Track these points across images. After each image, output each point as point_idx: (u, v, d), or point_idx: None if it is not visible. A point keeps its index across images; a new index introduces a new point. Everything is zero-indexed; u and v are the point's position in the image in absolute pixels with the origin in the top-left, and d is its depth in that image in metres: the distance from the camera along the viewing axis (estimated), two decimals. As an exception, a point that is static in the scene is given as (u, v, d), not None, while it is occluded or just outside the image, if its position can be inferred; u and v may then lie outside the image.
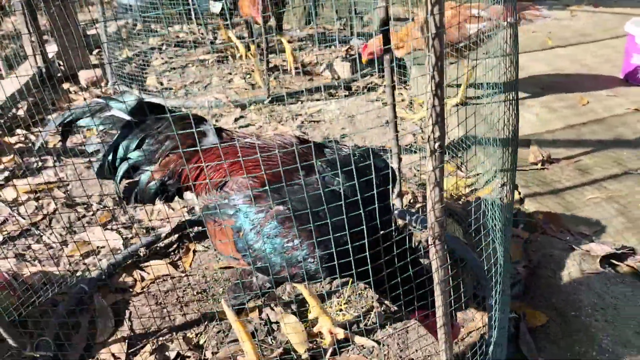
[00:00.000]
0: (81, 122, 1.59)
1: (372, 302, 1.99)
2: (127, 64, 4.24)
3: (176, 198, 1.68)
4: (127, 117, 1.55)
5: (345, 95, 3.62)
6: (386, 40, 1.97)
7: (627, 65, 3.44)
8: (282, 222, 1.32)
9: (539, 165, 2.61)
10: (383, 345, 1.83)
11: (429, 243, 1.00)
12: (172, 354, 1.82)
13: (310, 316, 1.95)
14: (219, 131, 1.62)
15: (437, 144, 0.89)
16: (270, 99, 3.51)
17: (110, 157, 1.58)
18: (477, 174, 2.66)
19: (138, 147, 1.57)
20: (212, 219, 1.49)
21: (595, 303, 1.75)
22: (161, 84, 4.00)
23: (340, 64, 3.94)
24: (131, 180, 1.61)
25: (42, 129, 1.70)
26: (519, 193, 2.43)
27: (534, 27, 4.59)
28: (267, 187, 1.36)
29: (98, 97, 1.64)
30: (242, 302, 1.63)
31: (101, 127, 1.57)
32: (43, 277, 2.05)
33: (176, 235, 2.37)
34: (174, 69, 4.24)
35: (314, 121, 3.30)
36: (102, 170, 1.59)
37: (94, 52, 4.55)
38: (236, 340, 1.85)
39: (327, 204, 1.23)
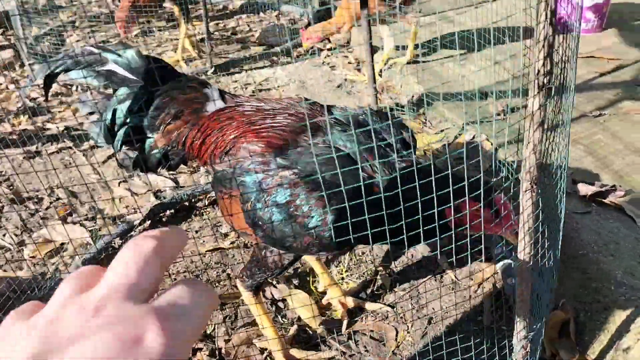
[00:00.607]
0: (72, 75, 1.36)
1: (374, 267, 1.95)
2: (39, 43, 3.81)
3: (145, 179, 1.52)
4: (129, 75, 1.36)
5: (288, 62, 3.49)
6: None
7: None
8: (289, 187, 1.21)
9: (502, 116, 2.67)
10: (396, 307, 1.80)
11: (524, 188, 0.96)
12: (181, 348, 1.67)
13: (320, 288, 1.88)
14: (222, 94, 1.47)
15: (546, 79, 0.83)
16: (213, 69, 3.31)
17: (108, 121, 1.38)
18: (444, 129, 2.68)
19: (139, 111, 1.39)
20: (219, 189, 1.36)
21: (596, 240, 1.81)
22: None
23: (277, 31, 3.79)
24: (131, 147, 1.44)
25: (25, 82, 1.46)
26: (491, 143, 2.47)
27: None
28: (272, 152, 1.24)
29: (92, 46, 1.41)
30: (259, 282, 1.52)
31: (95, 84, 1.36)
32: (12, 283, 1.81)
33: (149, 222, 2.18)
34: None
35: (265, 89, 3.16)
36: (105, 136, 1.39)
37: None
38: (247, 325, 1.74)
39: (339, 167, 1.09)
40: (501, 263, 1.84)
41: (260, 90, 3.16)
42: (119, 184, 2.42)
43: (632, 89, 2.78)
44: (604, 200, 2.04)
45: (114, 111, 1.38)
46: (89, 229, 2.16)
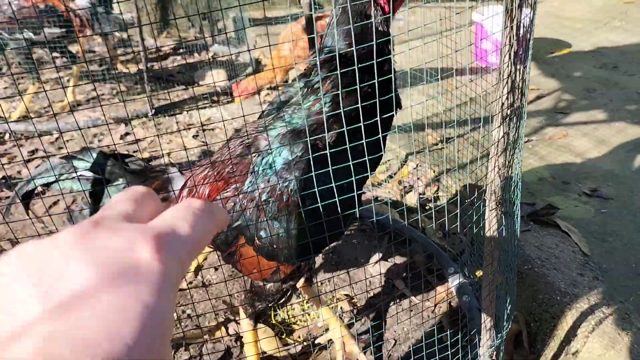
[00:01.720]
0: (52, 186, 1.42)
1: (334, 296, 2.00)
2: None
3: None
4: (98, 175, 1.42)
5: (229, 101, 3.54)
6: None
7: (478, 50, 3.87)
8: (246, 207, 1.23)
9: (440, 145, 2.83)
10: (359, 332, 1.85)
11: (489, 207, 1.05)
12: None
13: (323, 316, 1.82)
14: (180, 171, 1.52)
15: (509, 110, 0.93)
16: (154, 111, 3.30)
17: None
18: (388, 160, 2.80)
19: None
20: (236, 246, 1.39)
21: (539, 255, 1.95)
22: (14, 108, 3.52)
23: (214, 71, 3.84)
24: None
25: (8, 202, 1.51)
26: (434, 171, 2.61)
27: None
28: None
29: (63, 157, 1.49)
30: (260, 310, 1.54)
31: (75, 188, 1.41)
32: None
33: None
34: (21, 92, 3.76)
35: (209, 129, 3.18)
36: None
37: None
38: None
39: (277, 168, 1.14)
40: (455, 282, 1.94)
41: (204, 130, 3.18)
42: (66, 231, 2.35)
43: (553, 116, 3.04)
44: (540, 218, 2.21)
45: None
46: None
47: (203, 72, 3.93)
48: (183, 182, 1.47)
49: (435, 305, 1.95)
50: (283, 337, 1.84)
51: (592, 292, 1.72)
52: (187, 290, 2.03)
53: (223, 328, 1.87)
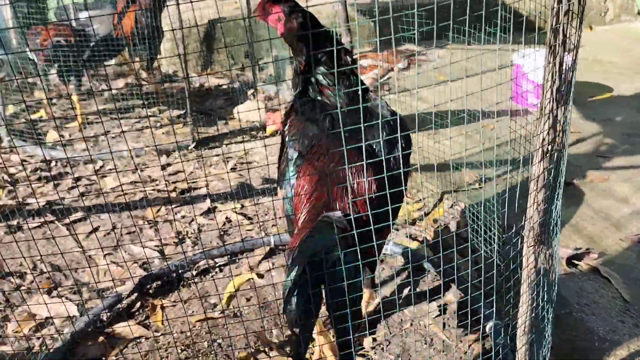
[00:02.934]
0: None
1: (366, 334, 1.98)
2: (15, 119, 3.85)
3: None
4: None
5: (266, 136, 3.61)
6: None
7: (517, 91, 3.87)
8: None
9: (477, 185, 2.81)
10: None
11: (527, 244, 1.04)
12: (177, 420, 1.64)
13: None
14: None
15: (550, 146, 0.93)
16: (194, 144, 3.39)
17: None
18: (422, 199, 2.79)
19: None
20: None
21: (578, 300, 1.90)
22: (62, 137, 3.67)
23: (253, 106, 3.93)
24: None
25: None
26: (469, 210, 2.59)
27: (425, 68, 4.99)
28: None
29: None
30: None
31: None
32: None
33: (135, 294, 2.16)
34: (73, 120, 3.93)
35: (246, 162, 3.25)
36: None
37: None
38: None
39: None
40: (490, 323, 1.90)
41: (242, 164, 3.24)
42: (104, 257, 2.41)
43: (594, 160, 2.99)
44: (579, 262, 2.15)
45: None
46: (75, 302, 2.12)
47: (243, 107, 4.03)
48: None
49: (468, 347, 1.91)
50: None
51: (632, 339, 1.66)
52: (219, 320, 2.04)
53: (252, 359, 1.87)
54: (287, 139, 1.66)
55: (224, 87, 4.69)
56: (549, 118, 0.91)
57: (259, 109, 3.99)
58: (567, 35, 0.83)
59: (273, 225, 2.61)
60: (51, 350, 1.85)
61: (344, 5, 2.16)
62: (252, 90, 4.51)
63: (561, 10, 0.82)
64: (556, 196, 1.08)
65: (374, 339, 1.94)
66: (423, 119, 3.43)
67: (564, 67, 0.87)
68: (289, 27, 1.64)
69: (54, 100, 4.28)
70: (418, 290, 2.16)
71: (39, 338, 1.96)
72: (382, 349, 1.91)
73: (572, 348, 1.76)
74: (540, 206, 0.99)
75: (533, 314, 1.15)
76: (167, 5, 3.75)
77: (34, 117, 3.98)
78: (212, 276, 2.29)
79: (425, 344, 1.94)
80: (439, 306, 2.08)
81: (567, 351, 1.76)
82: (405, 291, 2.16)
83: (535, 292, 1.11)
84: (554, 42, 0.85)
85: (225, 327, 2.01)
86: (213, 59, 5.16)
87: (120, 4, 3.92)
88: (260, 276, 2.25)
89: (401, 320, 2.05)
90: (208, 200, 2.80)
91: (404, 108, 3.77)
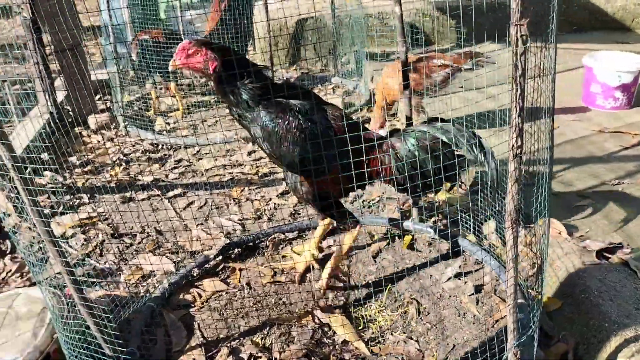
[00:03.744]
0: None
1: (405, 302, 2.31)
2: (129, 107, 4.48)
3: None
4: None
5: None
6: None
7: (586, 93, 3.97)
8: None
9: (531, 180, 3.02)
10: (425, 336, 2.14)
11: (507, 225, 1.34)
12: (245, 356, 2.07)
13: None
14: None
15: (518, 150, 1.23)
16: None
17: None
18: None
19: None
20: None
21: (599, 287, 2.12)
22: (168, 124, 4.26)
23: (334, 100, 4.32)
24: None
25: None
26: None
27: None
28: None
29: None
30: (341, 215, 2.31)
31: None
32: (115, 299, 2.27)
33: (220, 257, 2.63)
34: (177, 109, 4.51)
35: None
36: None
37: (97, 98, 4.78)
38: (301, 343, 2.11)
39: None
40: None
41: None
42: (197, 226, 2.90)
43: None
44: (611, 255, 2.35)
45: None
46: (173, 260, 2.63)
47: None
48: None
49: (496, 321, 2.19)
50: (359, 328, 2.19)
51: (641, 323, 1.87)
52: (285, 283, 2.45)
53: (310, 316, 2.26)
54: None
55: (307, 82, 5.10)
56: (515, 130, 1.21)
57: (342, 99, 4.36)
58: (525, 69, 1.13)
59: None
60: (153, 296, 2.35)
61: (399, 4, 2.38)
62: (332, 85, 4.90)
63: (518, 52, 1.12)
64: (536, 189, 1.36)
65: (419, 310, 2.27)
66: (492, 117, 3.65)
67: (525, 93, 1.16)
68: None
69: (160, 92, 4.90)
70: (458, 270, 2.45)
71: (144, 286, 2.47)
72: (421, 318, 2.23)
73: (586, 328, 1.99)
74: (514, 196, 1.29)
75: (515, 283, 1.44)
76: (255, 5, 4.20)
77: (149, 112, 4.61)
78: (282, 247, 2.71)
79: (459, 316, 2.24)
80: (475, 286, 2.36)
81: (581, 331, 2.00)
82: (449, 270, 2.45)
83: (516, 263, 1.40)
84: (515, 73, 1.15)
85: (287, 288, 2.42)
86: (299, 55, 5.60)
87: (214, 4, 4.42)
88: (321, 250, 2.63)
89: (440, 295, 2.36)
90: (284, 184, 3.23)
91: (474, 105, 3.99)
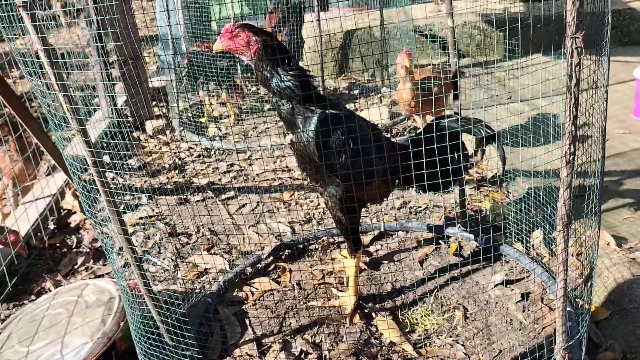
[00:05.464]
0: None
1: (452, 308, 2.36)
2: (183, 114, 4.68)
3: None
4: None
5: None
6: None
7: (637, 105, 3.93)
8: None
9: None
10: (471, 340, 2.18)
11: (558, 229, 1.39)
12: (297, 351, 2.16)
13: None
14: None
15: (571, 157, 1.29)
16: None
17: None
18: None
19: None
20: None
21: (649, 298, 2.13)
22: (220, 130, 4.43)
23: (380, 110, 4.40)
24: None
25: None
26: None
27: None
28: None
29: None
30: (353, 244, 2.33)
31: None
32: (172, 294, 2.40)
33: (271, 257, 2.74)
34: (229, 116, 4.68)
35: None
36: None
37: (153, 104, 5.01)
38: (349, 342, 2.19)
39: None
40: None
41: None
42: (249, 227, 3.03)
43: None
44: (661, 266, 2.34)
45: None
46: (227, 259, 2.75)
47: (370, 110, 4.51)
48: None
49: (542, 329, 2.22)
50: (406, 330, 2.25)
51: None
52: (333, 284, 2.54)
53: (358, 316, 2.33)
54: None
55: (355, 91, 5.20)
56: (568, 137, 1.27)
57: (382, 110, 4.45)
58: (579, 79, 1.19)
59: (385, 214, 3.06)
60: (208, 292, 2.47)
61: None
62: (379, 95, 4.98)
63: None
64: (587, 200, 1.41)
65: (465, 315, 2.31)
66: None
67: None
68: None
69: (214, 100, 5.10)
70: (505, 277, 2.48)
71: (199, 282, 2.60)
72: (467, 323, 2.28)
73: (634, 337, 2.01)
74: (566, 201, 1.34)
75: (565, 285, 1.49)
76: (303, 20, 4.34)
77: (201, 119, 4.80)
78: (330, 250, 2.80)
79: (505, 322, 2.28)
80: (522, 293, 2.39)
81: (629, 340, 2.02)
82: (496, 277, 2.49)
83: (566, 266, 1.45)
84: (570, 83, 1.21)
85: (337, 288, 2.50)
86: (347, 66, 5.71)
87: (271, 18, 4.59)
88: (369, 254, 2.71)
89: (487, 301, 2.40)
90: (333, 190, 3.32)
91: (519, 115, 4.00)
